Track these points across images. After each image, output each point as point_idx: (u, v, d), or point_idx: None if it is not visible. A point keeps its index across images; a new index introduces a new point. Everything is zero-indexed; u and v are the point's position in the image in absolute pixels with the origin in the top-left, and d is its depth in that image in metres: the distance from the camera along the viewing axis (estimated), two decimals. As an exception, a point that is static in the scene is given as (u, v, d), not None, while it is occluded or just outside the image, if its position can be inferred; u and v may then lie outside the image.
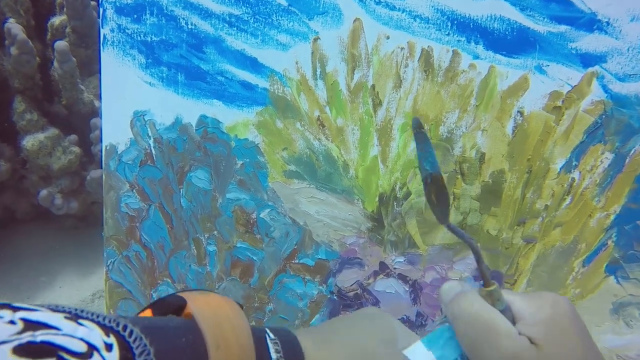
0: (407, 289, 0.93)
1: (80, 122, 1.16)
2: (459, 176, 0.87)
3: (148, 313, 0.31)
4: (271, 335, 0.33)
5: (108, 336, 0.23)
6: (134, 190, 0.94)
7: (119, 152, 0.94)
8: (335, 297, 0.95)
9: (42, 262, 1.26)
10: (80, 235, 1.30)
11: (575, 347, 0.36)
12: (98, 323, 0.23)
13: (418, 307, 0.94)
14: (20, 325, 0.20)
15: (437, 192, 0.35)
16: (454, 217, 0.89)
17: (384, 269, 0.92)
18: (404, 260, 0.90)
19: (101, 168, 0.95)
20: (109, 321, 0.24)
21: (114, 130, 0.94)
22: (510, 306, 0.39)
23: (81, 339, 0.21)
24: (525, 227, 0.89)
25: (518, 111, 0.83)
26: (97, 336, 0.22)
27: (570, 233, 0.89)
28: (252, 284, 0.96)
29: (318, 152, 0.88)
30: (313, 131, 0.88)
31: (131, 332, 0.24)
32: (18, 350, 0.18)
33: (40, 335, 0.20)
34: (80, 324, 0.22)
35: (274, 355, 0.31)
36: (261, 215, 0.92)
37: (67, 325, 0.21)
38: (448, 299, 0.40)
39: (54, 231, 1.31)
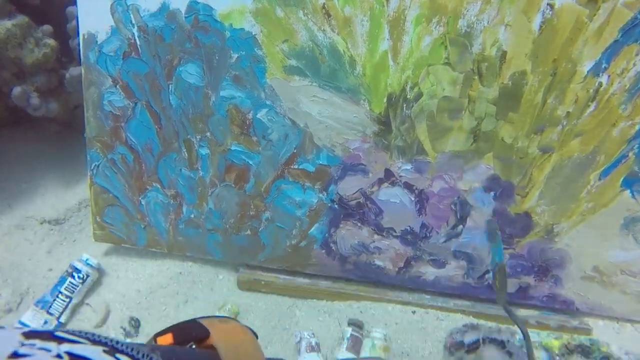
0: (413, 199, 0.93)
1: (54, 12, 1.08)
2: (475, 77, 0.84)
3: (169, 338, 0.36)
4: None
5: None
6: (118, 86, 0.90)
7: (98, 42, 0.89)
8: (336, 206, 0.95)
9: (23, 168, 1.23)
10: (65, 142, 1.27)
11: None
12: (133, 357, 0.26)
13: (423, 218, 0.94)
14: (66, 359, 0.22)
15: (500, 279, 0.39)
16: (467, 122, 0.86)
17: (389, 176, 0.91)
18: (411, 168, 0.89)
19: (80, 62, 0.89)
20: (143, 355, 0.27)
21: (92, 17, 0.89)
22: None
23: None
24: (543, 135, 0.88)
25: (548, 4, 0.78)
26: None
27: (590, 143, 0.88)
28: (247, 190, 0.95)
29: (322, 46, 0.84)
30: (317, 21, 0.83)
31: None
32: None
33: None
34: (117, 359, 0.25)
35: None
36: (258, 116, 0.89)
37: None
38: None
39: (35, 137, 1.27)
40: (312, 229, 1.02)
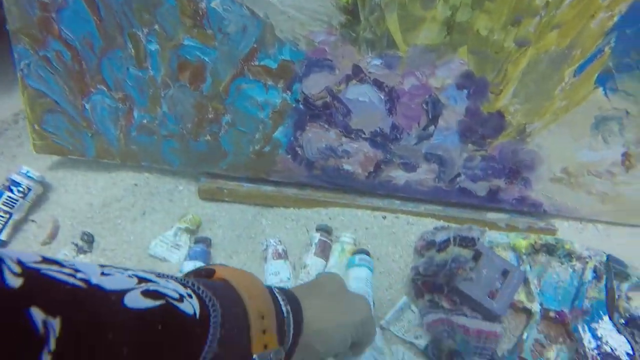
0: (383, 98, 0.89)
1: None
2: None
3: None
4: (276, 289, 0.44)
5: (186, 289, 0.33)
6: (44, -34, 0.78)
7: None
8: (301, 106, 0.90)
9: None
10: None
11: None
12: (176, 280, 0.34)
13: (393, 119, 0.91)
14: (135, 279, 0.31)
15: None
16: (441, 11, 0.80)
17: (357, 73, 0.86)
18: (381, 63, 0.85)
19: None
20: (182, 280, 0.35)
21: None
22: None
23: (174, 290, 0.32)
24: (520, 27, 0.84)
25: None
26: (181, 289, 0.33)
27: (568, 36, 0.86)
28: (204, 90, 0.88)
29: None
30: None
31: (199, 287, 0.34)
32: (144, 293, 0.29)
33: (152, 286, 0.31)
34: (168, 281, 0.33)
35: (282, 303, 0.42)
36: (212, 5, 0.82)
37: (161, 281, 0.32)
38: None
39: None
40: (276, 132, 0.97)
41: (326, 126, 0.98)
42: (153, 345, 0.28)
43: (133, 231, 1.00)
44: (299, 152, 1.02)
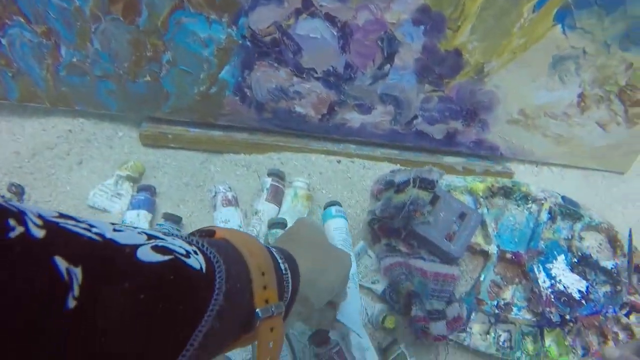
0: (335, 34, 0.84)
1: None
2: None
3: None
4: (274, 249, 0.46)
5: (191, 246, 0.35)
6: None
7: None
8: (248, 43, 0.84)
9: None
10: None
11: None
12: (181, 238, 0.36)
13: (347, 57, 0.86)
14: (145, 236, 0.32)
15: None
16: None
17: (307, 6, 0.81)
18: (333, -6, 0.78)
19: None
20: (187, 238, 0.37)
21: None
22: None
23: (180, 246, 0.33)
24: None
25: None
26: (186, 246, 0.34)
27: None
28: (140, 25, 0.81)
29: None
30: None
31: (203, 244, 0.36)
32: (154, 248, 0.31)
33: (160, 242, 0.32)
34: (174, 238, 0.35)
35: (280, 260, 0.44)
36: None
37: (167, 238, 0.34)
38: None
39: None
40: (223, 71, 0.91)
41: (276, 65, 0.92)
42: (165, 297, 0.30)
43: (69, 181, 0.92)
44: (248, 93, 0.95)
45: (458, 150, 1.10)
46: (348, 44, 0.91)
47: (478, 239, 0.95)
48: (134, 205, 0.88)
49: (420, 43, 0.92)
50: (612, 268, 0.95)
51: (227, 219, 0.89)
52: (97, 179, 0.93)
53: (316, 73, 0.93)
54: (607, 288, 0.95)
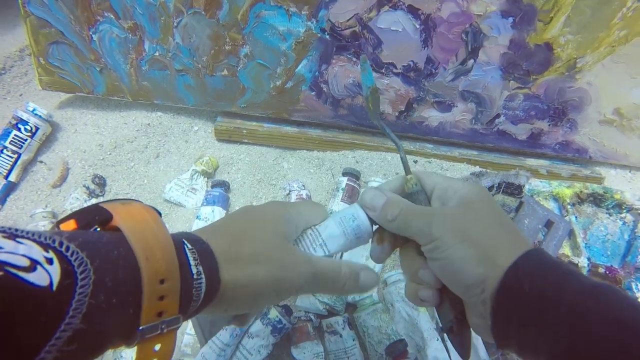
0: (418, 27, 0.81)
1: None
2: None
3: (72, 224, 0.35)
4: (189, 245, 0.37)
5: (47, 252, 0.28)
6: None
7: None
8: (327, 36, 0.83)
9: None
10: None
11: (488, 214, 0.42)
12: (35, 240, 0.28)
13: (429, 51, 0.83)
14: None
15: (373, 100, 0.47)
16: None
17: None
18: (418, -15, 0.75)
19: None
20: (45, 238, 0.29)
21: None
22: (435, 186, 0.46)
23: (23, 255, 0.26)
24: None
25: None
26: (37, 252, 0.27)
27: None
28: (221, 18, 0.81)
29: None
30: None
31: (68, 248, 0.29)
32: None
33: None
34: (20, 242, 0.27)
35: (192, 262, 0.36)
36: None
37: (8, 244, 0.26)
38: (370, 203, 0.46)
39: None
40: (300, 66, 0.90)
41: (354, 59, 0.90)
42: None
43: (147, 174, 0.95)
44: (324, 88, 0.94)
45: (542, 152, 1.03)
46: (430, 37, 0.87)
47: (565, 249, 0.88)
48: (208, 201, 0.89)
49: (507, 36, 0.87)
50: None
51: (300, 217, 0.87)
52: (172, 173, 0.95)
53: (395, 68, 0.90)
54: None
